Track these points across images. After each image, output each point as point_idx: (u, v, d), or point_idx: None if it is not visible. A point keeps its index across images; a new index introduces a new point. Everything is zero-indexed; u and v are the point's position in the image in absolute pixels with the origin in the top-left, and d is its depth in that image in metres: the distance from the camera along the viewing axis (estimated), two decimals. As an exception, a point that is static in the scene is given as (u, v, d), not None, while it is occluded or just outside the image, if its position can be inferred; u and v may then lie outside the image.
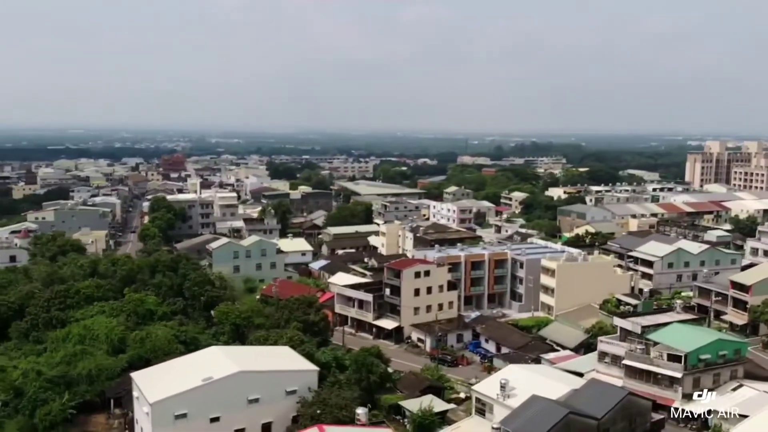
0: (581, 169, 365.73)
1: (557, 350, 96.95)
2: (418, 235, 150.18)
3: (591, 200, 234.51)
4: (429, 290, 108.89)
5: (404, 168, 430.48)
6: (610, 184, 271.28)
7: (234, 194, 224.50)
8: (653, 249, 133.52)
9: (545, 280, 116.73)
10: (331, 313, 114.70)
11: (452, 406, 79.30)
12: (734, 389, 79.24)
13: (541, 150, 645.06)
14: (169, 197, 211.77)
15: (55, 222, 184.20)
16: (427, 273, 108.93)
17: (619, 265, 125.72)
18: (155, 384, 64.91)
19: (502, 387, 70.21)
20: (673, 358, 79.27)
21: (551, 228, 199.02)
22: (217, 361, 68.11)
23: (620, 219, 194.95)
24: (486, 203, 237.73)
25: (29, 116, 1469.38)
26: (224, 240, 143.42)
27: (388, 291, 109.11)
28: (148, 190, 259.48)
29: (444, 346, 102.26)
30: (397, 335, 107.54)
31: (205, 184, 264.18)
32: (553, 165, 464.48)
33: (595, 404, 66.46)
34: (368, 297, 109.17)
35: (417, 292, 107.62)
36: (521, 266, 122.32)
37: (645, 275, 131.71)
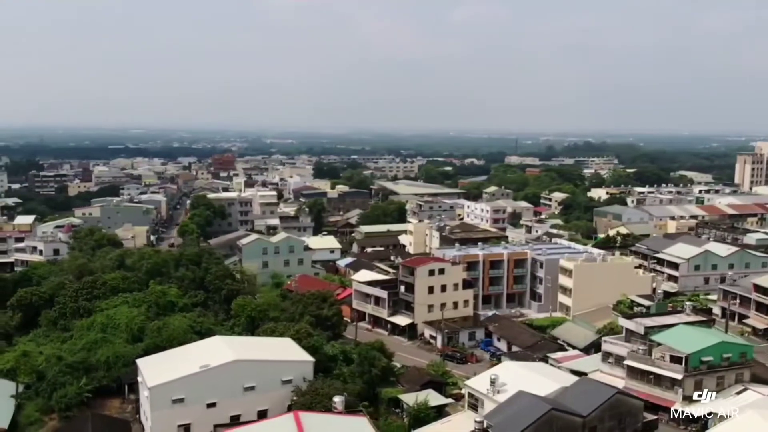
0: (629, 170, 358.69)
1: (567, 350, 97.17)
2: (443, 234, 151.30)
3: (632, 201, 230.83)
4: (443, 288, 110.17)
5: (449, 168, 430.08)
6: (655, 186, 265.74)
7: (274, 193, 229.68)
8: (680, 251, 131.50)
9: (563, 280, 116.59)
10: (349, 308, 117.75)
11: (450, 400, 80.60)
12: (738, 393, 78.21)
13: (595, 150, 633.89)
14: (210, 195, 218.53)
15: (101, 218, 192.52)
16: (441, 271, 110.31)
17: (642, 267, 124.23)
18: (156, 370, 68.61)
19: (492, 383, 71.42)
20: (675, 359, 78.83)
21: (588, 229, 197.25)
22: (216, 350, 71.40)
23: (658, 221, 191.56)
24: (524, 203, 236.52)
25: (92, 117, 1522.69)
26: (254, 236, 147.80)
27: (402, 288, 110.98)
28: (195, 188, 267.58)
29: (455, 344, 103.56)
30: (410, 332, 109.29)
31: (250, 183, 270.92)
32: (604, 165, 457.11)
33: (583, 402, 66.98)
34: (383, 294, 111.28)
35: (431, 289, 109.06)
36: (541, 266, 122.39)
37: (671, 277, 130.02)
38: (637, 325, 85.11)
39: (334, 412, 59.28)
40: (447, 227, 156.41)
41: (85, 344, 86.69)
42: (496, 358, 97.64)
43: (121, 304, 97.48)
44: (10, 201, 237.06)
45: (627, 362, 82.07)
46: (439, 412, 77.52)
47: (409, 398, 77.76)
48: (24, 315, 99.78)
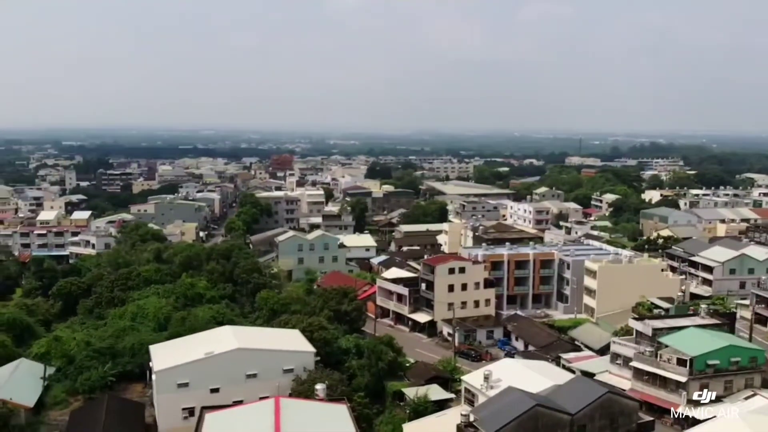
0: (690, 172, 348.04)
1: (582, 351, 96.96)
2: (476, 233, 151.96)
3: (685, 204, 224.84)
4: (464, 287, 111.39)
5: (505, 168, 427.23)
6: (713, 188, 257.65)
7: (321, 192, 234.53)
8: (716, 254, 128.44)
9: (588, 281, 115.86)
10: (374, 305, 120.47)
11: (452, 395, 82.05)
12: (747, 398, 76.73)
13: (662, 151, 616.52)
14: (261, 194, 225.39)
15: (155, 214, 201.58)
16: (462, 270, 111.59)
17: (673, 269, 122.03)
18: (165, 355, 73.00)
19: (486, 378, 72.60)
20: (680, 362, 78.04)
21: (634, 231, 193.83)
22: (223, 338, 75.32)
23: (707, 224, 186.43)
24: (572, 205, 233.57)
25: (166, 119, 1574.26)
26: (290, 233, 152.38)
27: (423, 286, 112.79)
28: (249, 187, 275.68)
29: (471, 342, 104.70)
30: (430, 329, 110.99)
31: (301, 183, 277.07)
32: (669, 167, 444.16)
33: (573, 400, 67.28)
34: (405, 291, 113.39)
35: (451, 288, 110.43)
36: (568, 267, 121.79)
37: (705, 281, 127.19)
38: (645, 326, 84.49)
39: (315, 399, 61.85)
40: (481, 227, 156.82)
41: (114, 332, 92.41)
42: (510, 357, 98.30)
43: (152, 295, 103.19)
44: (74, 198, 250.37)
45: (633, 364, 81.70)
46: (441, 407, 79.34)
47: (412, 392, 79.97)
48: (64, 303, 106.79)
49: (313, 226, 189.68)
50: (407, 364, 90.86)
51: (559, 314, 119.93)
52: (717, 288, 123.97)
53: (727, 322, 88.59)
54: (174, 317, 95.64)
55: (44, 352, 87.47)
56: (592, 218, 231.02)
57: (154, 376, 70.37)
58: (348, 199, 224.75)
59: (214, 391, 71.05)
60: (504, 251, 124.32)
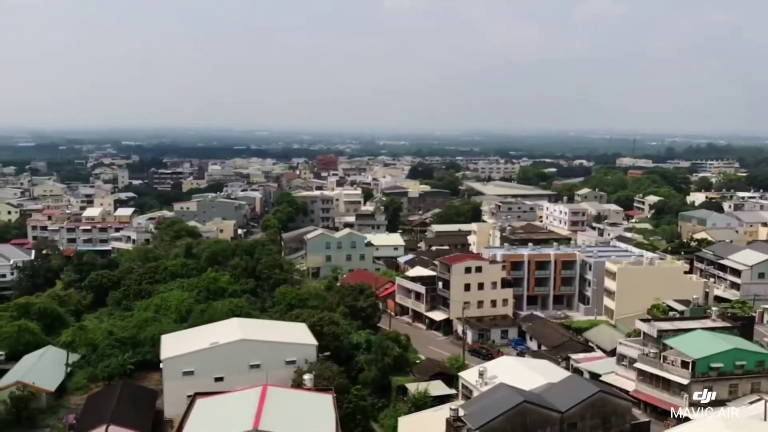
0: (741, 174, 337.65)
1: (594, 351, 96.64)
2: (504, 234, 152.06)
3: (729, 206, 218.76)
4: (480, 286, 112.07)
5: (553, 169, 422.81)
6: (761, 191, 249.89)
7: (358, 192, 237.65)
8: (745, 257, 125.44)
9: (608, 283, 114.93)
10: (393, 302, 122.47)
11: (454, 391, 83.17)
12: (752, 402, 75.51)
13: (719, 152, 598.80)
14: (302, 193, 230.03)
15: (197, 212, 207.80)
16: (479, 269, 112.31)
17: (701, 272, 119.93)
18: (174, 345, 76.56)
19: (480, 374, 73.79)
20: (684, 364, 77.37)
21: (672, 234, 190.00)
22: (230, 330, 78.40)
23: (749, 227, 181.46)
24: (613, 206, 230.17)
25: (223, 119, 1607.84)
26: (319, 231, 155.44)
27: (440, 284, 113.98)
28: (291, 187, 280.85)
29: (485, 341, 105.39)
30: (446, 327, 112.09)
31: (341, 182, 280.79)
32: (723, 168, 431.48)
33: (565, 398, 67.73)
34: (422, 289, 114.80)
35: (467, 287, 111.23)
36: (590, 268, 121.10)
37: (734, 284, 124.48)
38: (651, 328, 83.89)
39: (303, 389, 64.16)
40: (509, 228, 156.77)
41: (138, 322, 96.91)
42: (521, 356, 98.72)
43: (176, 288, 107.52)
44: (123, 195, 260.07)
45: (637, 365, 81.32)
46: (443, 402, 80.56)
47: (414, 387, 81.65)
48: (95, 295, 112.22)
49: (347, 225, 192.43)
50: (417, 361, 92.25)
51: (579, 315, 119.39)
52: (745, 292, 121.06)
53: (738, 325, 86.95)
54: (195, 310, 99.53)
55: (70, 340, 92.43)
56: (634, 220, 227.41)
57: (161, 364, 73.85)
58: (384, 198, 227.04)
59: (219, 379, 74.01)
60: (525, 251, 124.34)
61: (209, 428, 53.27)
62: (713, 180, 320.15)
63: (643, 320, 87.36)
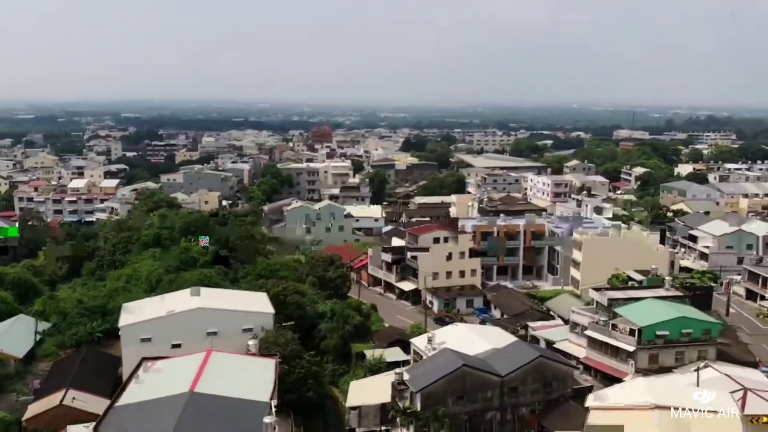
0: (734, 146, 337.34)
1: (554, 320, 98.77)
2: (481, 205, 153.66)
3: (715, 178, 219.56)
4: (449, 256, 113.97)
5: (549, 141, 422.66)
6: (750, 162, 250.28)
7: (346, 164, 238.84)
8: (713, 228, 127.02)
9: (574, 253, 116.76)
10: (366, 273, 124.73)
11: (410, 357, 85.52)
12: (697, 370, 77.57)
13: (718, 124, 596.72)
14: (286, 165, 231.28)
15: (184, 183, 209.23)
16: (447, 239, 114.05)
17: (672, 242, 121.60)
18: (133, 312, 78.79)
19: (429, 340, 76.08)
20: (632, 332, 79.38)
21: (655, 205, 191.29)
22: (189, 298, 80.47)
23: (729, 198, 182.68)
24: (599, 178, 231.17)
25: (225, 91, 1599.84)
26: (299, 203, 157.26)
27: (409, 255, 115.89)
28: (281, 159, 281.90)
29: (450, 310, 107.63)
30: (414, 297, 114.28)
31: (331, 155, 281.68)
32: (720, 141, 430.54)
33: (506, 363, 70.13)
34: (390, 259, 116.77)
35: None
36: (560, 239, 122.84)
37: (703, 255, 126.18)
38: (601, 296, 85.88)
39: (248, 354, 66.45)
40: (486, 199, 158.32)
41: (108, 292, 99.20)
42: (483, 323, 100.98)
43: (148, 258, 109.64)
44: (114, 167, 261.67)
45: (587, 332, 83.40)
46: (398, 367, 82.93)
47: (371, 353, 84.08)
48: (71, 265, 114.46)
49: (332, 197, 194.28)
50: (366, 326, 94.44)
51: (548, 285, 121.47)
52: (713, 262, 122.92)
53: (690, 294, 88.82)
54: (164, 280, 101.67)
55: (41, 309, 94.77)
56: (619, 192, 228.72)
57: (120, 331, 76.18)
58: (371, 170, 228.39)
59: (176, 346, 76.07)
60: (495, 222, 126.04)
61: (149, 390, 55.54)
62: (705, 152, 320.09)
63: (596, 289, 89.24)
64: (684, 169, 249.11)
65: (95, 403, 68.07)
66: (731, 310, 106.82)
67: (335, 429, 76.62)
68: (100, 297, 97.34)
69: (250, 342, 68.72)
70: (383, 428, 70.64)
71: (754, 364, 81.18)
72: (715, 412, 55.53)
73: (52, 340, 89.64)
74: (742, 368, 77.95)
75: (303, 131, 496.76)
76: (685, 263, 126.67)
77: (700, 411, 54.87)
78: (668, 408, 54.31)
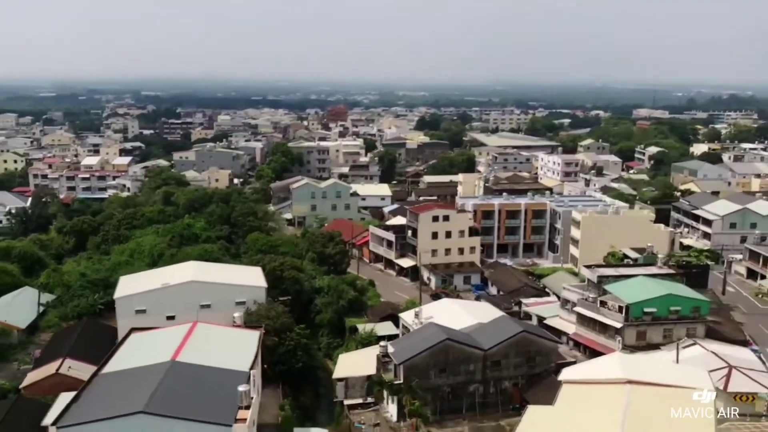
0: (754, 125, 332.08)
1: (549, 296, 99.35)
2: (486, 184, 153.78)
3: (729, 158, 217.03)
4: (448, 234, 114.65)
5: (566, 120, 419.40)
6: (766, 142, 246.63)
7: (357, 143, 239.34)
8: (718, 208, 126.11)
9: (573, 231, 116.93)
10: (368, 250, 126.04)
11: (399, 331, 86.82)
12: (686, 347, 77.97)
13: (741, 103, 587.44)
14: (299, 144, 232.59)
15: (196, 161, 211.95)
16: (446, 218, 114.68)
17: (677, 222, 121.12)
18: (129, 285, 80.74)
19: (416, 315, 77.28)
20: (620, 309, 79.81)
21: (665, 185, 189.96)
22: (183, 272, 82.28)
23: (741, 178, 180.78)
24: (612, 157, 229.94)
25: (246, 70, 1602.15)
26: (304, 181, 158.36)
27: (410, 233, 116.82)
28: (295, 137, 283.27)
29: (447, 286, 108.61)
30: (413, 273, 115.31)
31: (343, 133, 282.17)
32: (741, 119, 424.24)
33: (490, 337, 71.16)
34: (391, 237, 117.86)
35: (435, 235, 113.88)
36: (559, 217, 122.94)
37: (706, 235, 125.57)
38: (592, 273, 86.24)
39: (233, 325, 68.11)
40: (492, 178, 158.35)
41: (111, 265, 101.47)
42: (478, 299, 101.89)
43: (152, 234, 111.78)
44: (129, 145, 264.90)
45: (576, 309, 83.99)
46: (389, 341, 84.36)
47: (363, 327, 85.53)
48: (77, 240, 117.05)
49: (342, 176, 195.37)
50: (361, 301, 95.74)
51: (548, 263, 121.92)
52: (716, 241, 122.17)
53: (681, 272, 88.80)
54: (166, 254, 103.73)
55: (46, 282, 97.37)
56: (632, 171, 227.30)
57: (115, 303, 78.22)
58: (382, 149, 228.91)
59: (170, 318, 77.84)
60: (496, 201, 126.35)
61: (134, 359, 57.32)
62: (724, 131, 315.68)
63: (587, 266, 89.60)
64: (699, 148, 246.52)
65: (90, 372, 70.32)
66: (730, 289, 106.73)
67: (327, 400, 78.42)
68: (103, 270, 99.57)
69: (236, 314, 70.37)
70: (369, 399, 72.14)
71: (744, 343, 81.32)
72: (690, 388, 55.82)
73: (55, 312, 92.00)
74: (731, 346, 78.47)
75: (319, 110, 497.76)
76: (688, 242, 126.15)
77: (673, 387, 55.25)
78: (640, 383, 54.81)
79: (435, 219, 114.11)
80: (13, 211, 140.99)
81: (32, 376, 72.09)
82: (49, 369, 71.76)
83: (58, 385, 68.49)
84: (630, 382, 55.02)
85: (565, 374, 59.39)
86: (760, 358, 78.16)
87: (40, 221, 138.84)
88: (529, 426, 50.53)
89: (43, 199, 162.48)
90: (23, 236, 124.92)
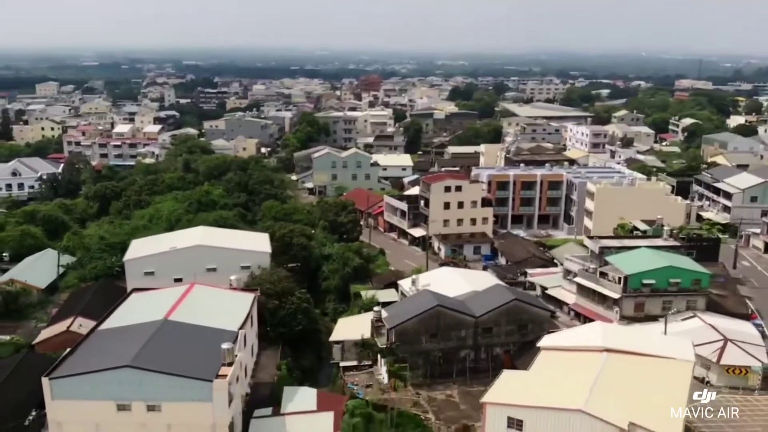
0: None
1: (556, 267, 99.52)
2: (507, 155, 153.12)
3: (765, 131, 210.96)
4: (460, 204, 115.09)
5: (606, 90, 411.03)
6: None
7: (385, 113, 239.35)
8: (740, 181, 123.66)
9: (587, 203, 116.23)
10: (382, 219, 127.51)
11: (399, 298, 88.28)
12: (685, 319, 77.82)
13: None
14: (328, 114, 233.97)
15: (225, 130, 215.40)
16: (458, 188, 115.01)
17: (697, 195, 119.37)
18: (139, 248, 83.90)
19: (413, 282, 78.62)
20: (619, 280, 79.83)
21: (695, 158, 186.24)
22: (192, 237, 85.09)
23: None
24: (644, 129, 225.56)
25: (286, 39, 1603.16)
26: (325, 150, 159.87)
27: (422, 203, 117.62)
28: (324, 107, 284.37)
29: (456, 256, 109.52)
30: (425, 243, 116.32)
31: (374, 104, 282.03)
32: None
33: (482, 305, 72.20)
34: (404, 207, 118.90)
35: (447, 205, 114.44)
36: (575, 189, 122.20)
37: (726, 208, 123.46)
38: (594, 244, 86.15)
39: (229, 288, 70.49)
40: (514, 149, 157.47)
41: (130, 230, 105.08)
42: (485, 269, 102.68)
43: (171, 200, 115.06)
44: (163, 114, 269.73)
45: (576, 279, 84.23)
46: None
47: (365, 294, 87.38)
48: (101, 205, 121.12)
49: (367, 146, 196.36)
50: (366, 268, 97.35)
51: (563, 234, 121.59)
52: (735, 215, 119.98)
53: (686, 245, 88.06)
54: (183, 220, 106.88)
55: (68, 244, 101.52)
56: (665, 143, 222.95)
57: (125, 265, 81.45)
58: (410, 119, 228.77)
59: (178, 280, 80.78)
60: (511, 172, 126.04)
61: (130, 317, 60.15)
62: (766, 103, 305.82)
63: (590, 237, 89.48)
64: (736, 120, 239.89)
65: (97, 330, 73.93)
66: (745, 263, 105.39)
67: (328, 363, 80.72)
68: (122, 234, 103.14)
69: (232, 277, 72.71)
70: (365, 362, 74.07)
71: (746, 317, 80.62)
72: (669, 358, 56.21)
73: (74, 273, 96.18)
74: (733, 320, 78.03)
75: (354, 80, 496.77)
76: (708, 215, 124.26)
77: (652, 356, 55.73)
78: (618, 351, 55.39)
79: (447, 189, 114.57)
80: (44, 176, 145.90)
81: (45, 333, 76.07)
82: (61, 326, 75.61)
83: (69, 341, 71.80)
84: (608, 350, 55.63)
85: (545, 341, 60.23)
86: (762, 332, 77.77)
87: (69, 187, 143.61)
88: (501, 387, 51.75)
89: (76, 166, 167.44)
90: (50, 201, 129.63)
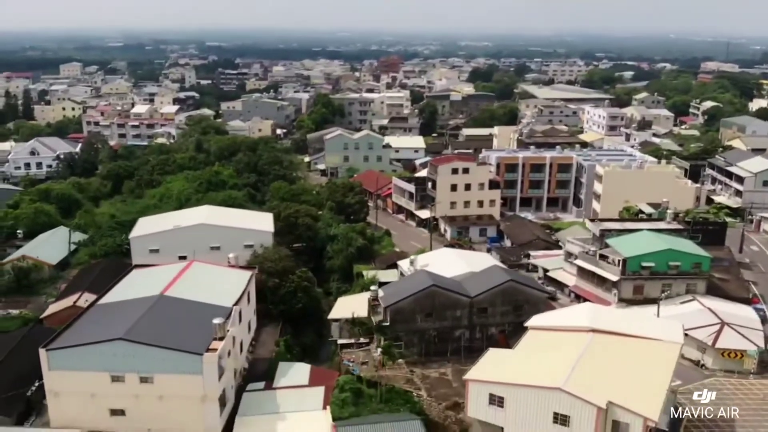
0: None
1: (559, 249, 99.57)
2: (520, 138, 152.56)
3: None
4: (467, 187, 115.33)
5: (630, 72, 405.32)
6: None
7: (401, 95, 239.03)
8: (753, 165, 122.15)
9: (595, 186, 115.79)
10: (391, 201, 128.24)
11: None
12: (684, 302, 77.76)
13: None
14: (345, 95, 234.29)
15: (242, 111, 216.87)
16: (465, 170, 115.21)
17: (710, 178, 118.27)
18: (145, 226, 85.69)
19: (411, 262, 79.40)
20: (618, 262, 79.87)
21: (713, 141, 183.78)
22: (196, 215, 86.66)
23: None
24: (664, 111, 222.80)
25: (309, 19, 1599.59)
26: (337, 132, 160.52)
27: (430, 185, 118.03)
28: (342, 88, 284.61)
29: (461, 238, 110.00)
30: (432, 224, 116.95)
31: (392, 85, 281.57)
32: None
33: (478, 285, 72.83)
34: (412, 188, 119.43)
35: (454, 187, 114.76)
36: (585, 171, 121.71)
37: (738, 192, 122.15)
38: (595, 226, 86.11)
39: (228, 265, 71.85)
40: (526, 131, 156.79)
41: (141, 208, 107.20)
42: (489, 251, 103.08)
43: (181, 179, 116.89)
44: (183, 95, 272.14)
45: (576, 261, 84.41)
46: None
47: (367, 273, 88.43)
48: (114, 184, 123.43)
49: (382, 128, 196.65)
50: (370, 249, 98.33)
51: (571, 217, 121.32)
52: (747, 199, 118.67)
53: (688, 228, 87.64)
54: (192, 199, 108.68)
55: (80, 222, 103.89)
56: (685, 126, 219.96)
57: (130, 242, 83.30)
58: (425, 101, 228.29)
59: (182, 257, 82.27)
60: (520, 154, 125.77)
61: (129, 292, 61.89)
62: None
63: (591, 220, 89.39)
64: (758, 104, 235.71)
65: (103, 305, 75.93)
66: (754, 247, 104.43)
67: (328, 340, 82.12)
68: (133, 213, 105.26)
69: (230, 255, 74.03)
70: (363, 340, 75.25)
71: (747, 301, 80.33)
72: (656, 340, 56.47)
73: (85, 250, 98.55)
74: (732, 304, 77.84)
75: (374, 61, 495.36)
76: (720, 199, 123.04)
77: (638, 337, 56.05)
78: (604, 332, 55.81)
79: (454, 171, 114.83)
80: (62, 156, 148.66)
81: (53, 308, 78.38)
82: (68, 301, 77.84)
83: (75, 315, 74.37)
84: (594, 330, 56.07)
85: (533, 321, 60.80)
86: (763, 316, 77.43)
87: (86, 166, 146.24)
88: (484, 365, 52.55)
89: (95, 146, 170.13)
90: (65, 180, 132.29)
